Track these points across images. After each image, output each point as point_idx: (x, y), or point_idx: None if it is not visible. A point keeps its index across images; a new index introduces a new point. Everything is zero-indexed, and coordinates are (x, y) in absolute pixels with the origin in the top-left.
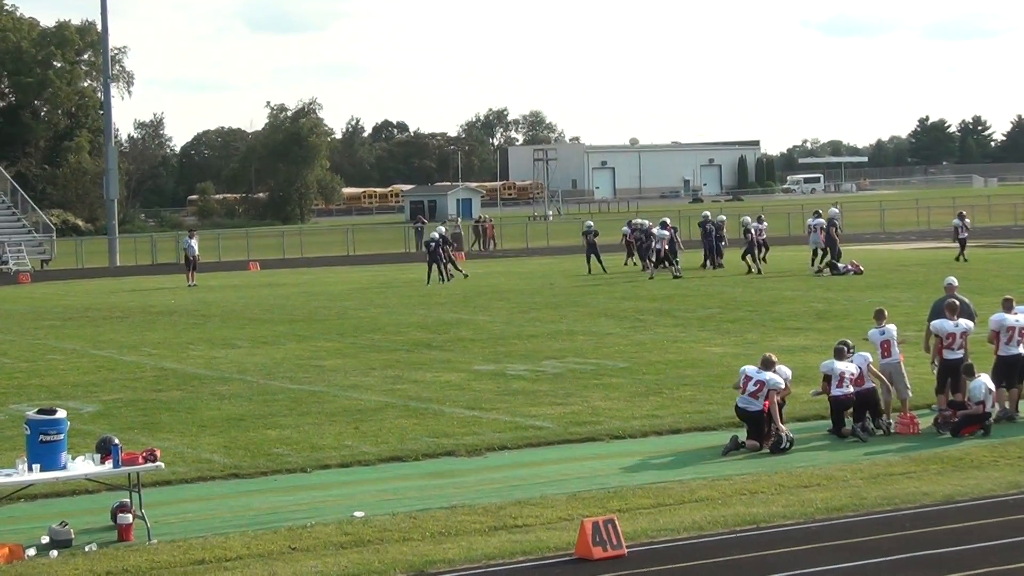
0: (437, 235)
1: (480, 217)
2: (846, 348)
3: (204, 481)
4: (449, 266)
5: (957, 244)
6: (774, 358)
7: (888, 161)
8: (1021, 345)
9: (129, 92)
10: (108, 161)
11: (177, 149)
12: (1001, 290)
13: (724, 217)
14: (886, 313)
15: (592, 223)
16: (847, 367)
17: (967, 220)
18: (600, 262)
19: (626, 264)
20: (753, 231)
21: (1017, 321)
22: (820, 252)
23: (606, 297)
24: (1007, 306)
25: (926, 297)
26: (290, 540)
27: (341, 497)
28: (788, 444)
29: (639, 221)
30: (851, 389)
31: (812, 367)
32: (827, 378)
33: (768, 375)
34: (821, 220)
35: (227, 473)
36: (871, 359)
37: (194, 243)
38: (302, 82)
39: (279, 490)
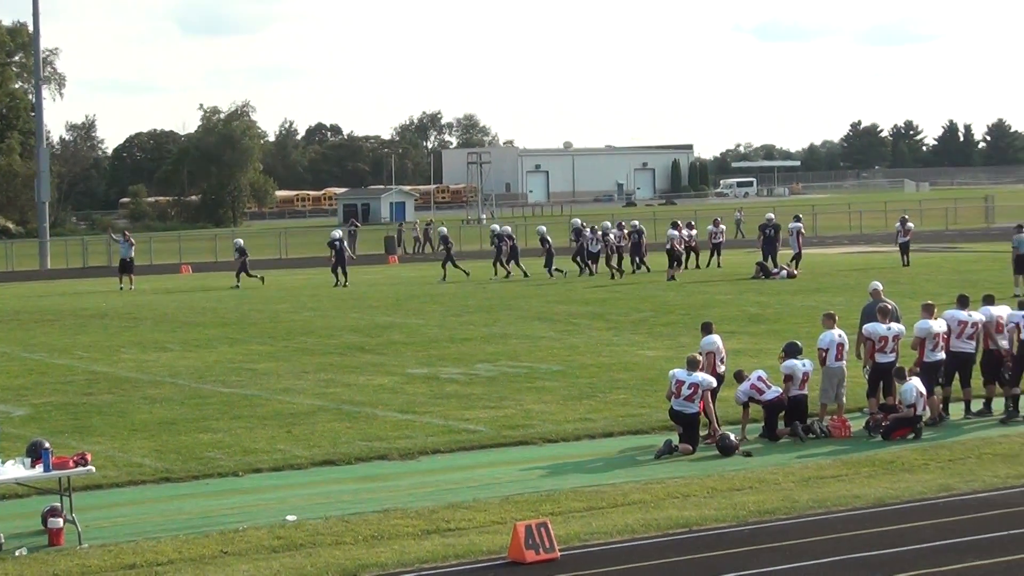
0: (339, 234)
1: (430, 221)
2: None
3: (135, 485)
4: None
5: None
6: (699, 357)
7: (821, 165)
8: (942, 351)
9: (61, 94)
10: (39, 163)
11: (109, 151)
12: (933, 295)
13: (637, 222)
14: (836, 317)
15: (544, 228)
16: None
17: (909, 224)
18: (510, 266)
19: (620, 267)
20: (613, 236)
21: (941, 326)
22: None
23: (539, 301)
24: (928, 312)
25: (859, 301)
26: (222, 544)
27: (273, 501)
28: (733, 441)
29: (634, 222)
30: (778, 391)
31: (746, 369)
32: (787, 378)
33: (699, 376)
34: (799, 224)
35: (158, 477)
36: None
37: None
38: (235, 85)
39: (211, 494)
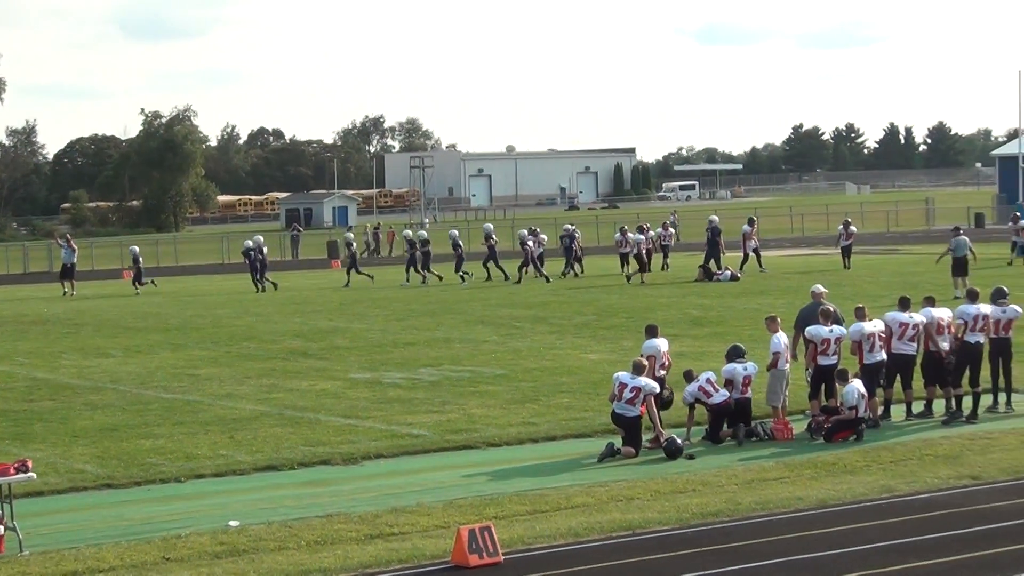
0: (251, 243)
1: (378, 224)
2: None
3: (77, 492)
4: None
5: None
6: (644, 362)
7: (763, 168)
8: (882, 351)
9: (1, 99)
10: None
11: (50, 156)
12: (874, 296)
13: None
14: (779, 319)
15: (491, 226)
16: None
17: (852, 228)
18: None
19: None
20: (531, 243)
21: (875, 326)
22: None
23: (482, 305)
24: (861, 315)
25: (800, 303)
26: (164, 550)
27: (216, 507)
28: (680, 443)
29: (567, 226)
30: (725, 395)
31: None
32: (728, 382)
33: (642, 380)
34: (749, 227)
35: (100, 483)
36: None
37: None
38: (177, 89)
39: (153, 500)
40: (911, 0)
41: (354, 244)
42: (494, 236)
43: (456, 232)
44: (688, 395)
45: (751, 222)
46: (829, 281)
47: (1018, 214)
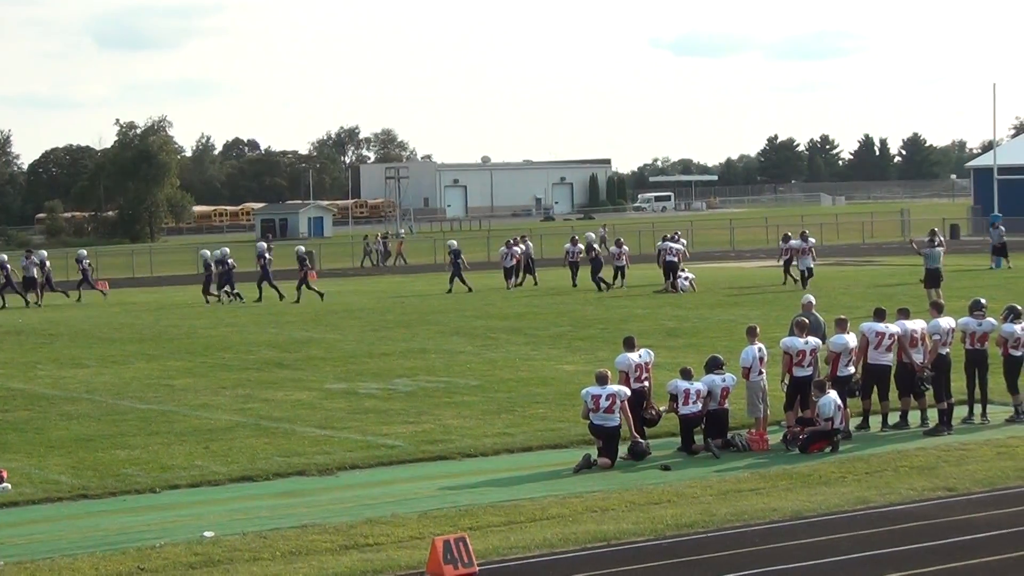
0: (215, 254)
1: (386, 233)
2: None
3: (52, 502)
4: (215, 289)
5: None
6: (607, 373)
7: (738, 179)
8: (852, 365)
9: None
10: None
11: (24, 167)
12: (848, 308)
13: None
14: (758, 330)
15: (456, 242)
16: (693, 385)
17: (792, 242)
18: (461, 282)
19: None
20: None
21: (855, 341)
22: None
23: (458, 315)
24: (842, 326)
25: (776, 315)
26: (139, 561)
27: (191, 517)
28: (645, 446)
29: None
30: (699, 407)
31: (660, 383)
32: (673, 397)
33: (615, 387)
34: (794, 242)
35: (75, 494)
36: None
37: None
38: (152, 100)
39: (128, 511)
40: (886, 12)
41: (307, 259)
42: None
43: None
44: (671, 387)
45: (786, 238)
46: (788, 296)
47: (997, 223)
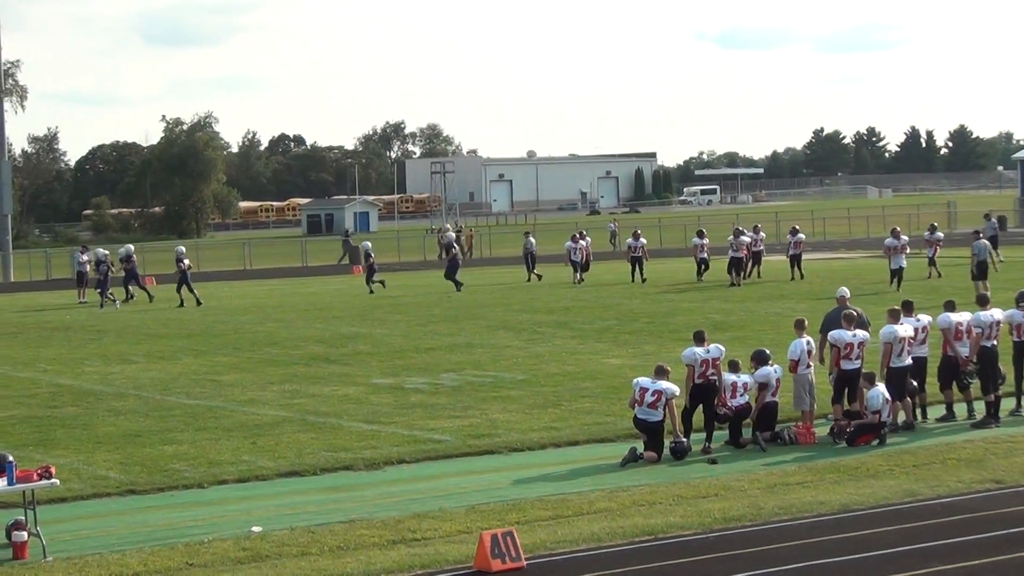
0: (183, 250)
1: (459, 227)
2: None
3: (100, 498)
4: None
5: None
6: (667, 367)
7: (784, 172)
8: (910, 356)
9: (23, 106)
10: (1, 176)
11: (72, 163)
12: (895, 300)
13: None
14: (806, 323)
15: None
16: (741, 377)
17: (800, 236)
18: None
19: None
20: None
21: (907, 331)
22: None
23: (504, 310)
24: (895, 316)
25: (822, 307)
26: (187, 556)
27: (239, 512)
28: (687, 445)
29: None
30: (746, 399)
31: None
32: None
33: (664, 384)
34: (801, 235)
35: (123, 489)
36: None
37: (86, 258)
38: (198, 96)
39: (176, 506)
40: (932, 3)
41: (373, 254)
42: (373, 254)
43: (369, 244)
44: (686, 355)
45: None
46: (852, 285)
47: None
